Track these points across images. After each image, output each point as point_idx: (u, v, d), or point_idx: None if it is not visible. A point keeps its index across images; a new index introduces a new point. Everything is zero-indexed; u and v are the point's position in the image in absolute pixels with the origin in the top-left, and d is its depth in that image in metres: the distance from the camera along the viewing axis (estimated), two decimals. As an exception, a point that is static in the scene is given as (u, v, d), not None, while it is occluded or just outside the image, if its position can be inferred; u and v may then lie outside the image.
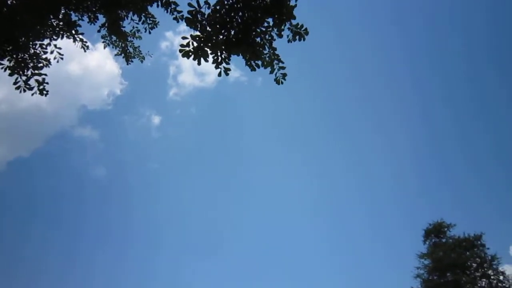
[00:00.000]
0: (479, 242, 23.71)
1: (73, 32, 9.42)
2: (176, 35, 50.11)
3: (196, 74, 48.84)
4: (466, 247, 23.65)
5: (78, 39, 9.50)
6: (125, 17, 10.24)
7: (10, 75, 7.80)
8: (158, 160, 52.09)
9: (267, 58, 5.24)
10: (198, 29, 5.00)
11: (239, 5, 5.26)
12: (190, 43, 4.84)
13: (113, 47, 11.16)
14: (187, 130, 53.99)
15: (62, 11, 9.09)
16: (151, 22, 10.19)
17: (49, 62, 9.09)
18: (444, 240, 24.41)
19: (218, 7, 5.29)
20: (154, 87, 56.01)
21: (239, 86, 52.59)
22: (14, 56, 7.81)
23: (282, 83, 5.31)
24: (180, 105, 53.41)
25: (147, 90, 56.17)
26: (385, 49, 53.53)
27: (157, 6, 9.80)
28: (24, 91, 8.04)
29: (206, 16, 5.20)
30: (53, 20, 8.96)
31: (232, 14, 5.36)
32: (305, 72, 54.54)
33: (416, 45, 52.91)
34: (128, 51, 11.01)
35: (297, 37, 5.06)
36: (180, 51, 4.67)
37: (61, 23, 9.15)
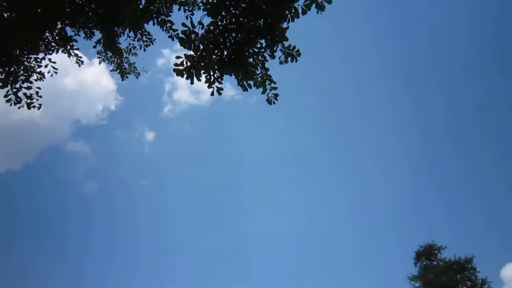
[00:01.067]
0: (470, 265, 23.65)
1: (68, 47, 9.47)
2: (173, 52, 50.57)
3: (191, 92, 49.09)
4: (457, 270, 23.55)
5: (73, 54, 9.55)
6: (121, 34, 10.36)
7: (1, 87, 7.79)
8: (150, 176, 51.75)
9: (259, 79, 5.31)
10: (192, 48, 5.07)
11: (232, 26, 5.35)
12: (184, 62, 4.90)
13: (108, 63, 11.23)
14: (180, 147, 53.89)
15: (58, 26, 9.17)
16: (147, 39, 10.32)
17: (43, 76, 9.12)
18: (435, 263, 24.30)
19: (211, 28, 5.37)
20: (149, 104, 56.16)
21: (234, 104, 52.89)
22: (6, 68, 7.82)
23: (274, 103, 5.37)
24: (174, 122, 53.48)
25: (141, 106, 56.24)
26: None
27: (153, 24, 9.96)
28: (15, 104, 8.03)
29: (199, 36, 5.28)
30: (48, 34, 9.03)
31: (226, 35, 5.45)
32: (299, 88, 55.02)
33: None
34: (123, 67, 11.09)
35: (289, 59, 5.15)
36: (174, 70, 4.72)
37: (56, 37, 9.22)
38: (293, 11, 4.91)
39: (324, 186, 52.84)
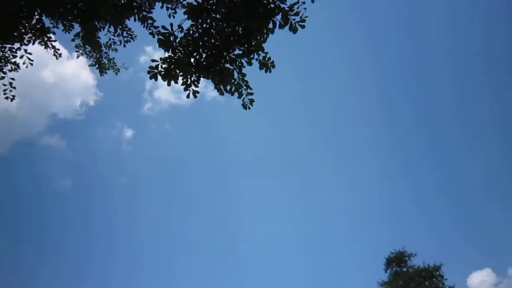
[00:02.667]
0: (438, 273, 24.31)
1: (46, 38, 9.27)
2: (156, 50, 50.03)
3: (173, 91, 48.56)
4: (425, 277, 24.16)
5: (50, 46, 9.35)
6: (101, 28, 10.21)
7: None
8: (127, 174, 50.95)
9: (235, 83, 5.35)
10: (170, 51, 5.06)
11: (212, 31, 5.37)
12: (159, 66, 4.90)
13: (87, 57, 11.04)
14: (159, 145, 53.26)
15: (36, 16, 8.97)
16: (127, 35, 10.19)
17: (18, 67, 8.92)
18: (405, 269, 24.86)
19: (191, 31, 5.38)
20: (128, 101, 55.23)
21: (216, 105, 52.61)
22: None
23: (249, 108, 5.43)
24: (154, 120, 52.77)
25: (121, 103, 55.28)
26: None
27: (134, 20, 9.85)
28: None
29: (178, 39, 5.28)
30: (26, 25, 8.81)
31: (205, 39, 5.46)
32: (283, 90, 55.26)
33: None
34: (102, 62, 10.92)
35: (263, 68, 5.22)
36: (148, 72, 4.71)
37: (33, 28, 9.02)
38: (271, 25, 5.00)
39: (305, 187, 53.24)
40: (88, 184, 47.79)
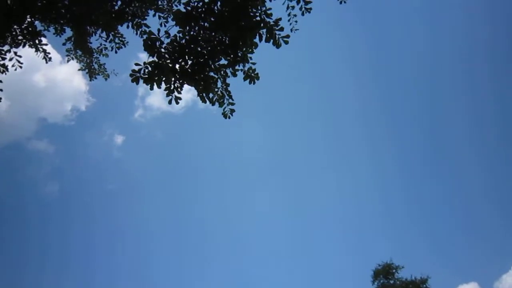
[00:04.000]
0: (424, 286, 24.33)
1: (37, 41, 9.30)
2: (150, 57, 49.96)
3: (165, 99, 48.32)
4: (412, 290, 24.20)
5: (41, 49, 9.36)
6: (93, 33, 10.27)
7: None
8: (116, 181, 50.55)
9: (219, 93, 5.43)
10: (155, 56, 5.13)
11: (199, 39, 5.45)
12: (143, 70, 4.96)
13: (78, 62, 11.07)
14: (150, 153, 53.00)
15: (28, 20, 9.01)
16: (119, 41, 10.24)
17: (6, 69, 8.92)
18: (392, 282, 24.86)
19: (178, 37, 5.46)
20: (120, 107, 55.02)
21: (208, 114, 52.60)
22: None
23: (229, 117, 5.51)
24: (145, 127, 52.58)
25: (113, 109, 55.01)
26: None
27: (127, 27, 9.94)
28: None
29: (165, 44, 5.36)
30: (16, 27, 8.84)
31: (192, 46, 5.54)
32: (272, 99, 55.45)
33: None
34: (92, 67, 10.96)
35: (248, 80, 5.31)
36: (131, 75, 4.77)
37: (24, 31, 9.04)
38: (257, 38, 5.13)
39: (295, 195, 53.17)
40: (75, 190, 47.35)
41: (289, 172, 54.32)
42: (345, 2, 7.35)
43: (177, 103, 5.07)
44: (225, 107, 5.52)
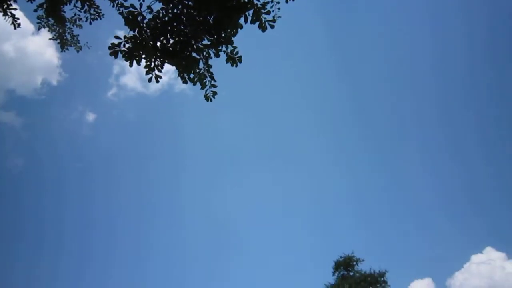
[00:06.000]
0: (382, 279, 25.26)
1: (5, 5, 8.73)
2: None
3: (140, 79, 47.03)
4: (370, 282, 25.04)
5: (9, 14, 8.79)
6: (67, 2, 9.76)
7: None
8: (84, 159, 48.94)
9: (200, 73, 5.28)
10: (136, 31, 4.91)
11: (182, 17, 5.27)
12: (123, 44, 4.74)
13: (49, 31, 10.51)
14: (121, 133, 51.56)
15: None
16: (94, 13, 9.79)
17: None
18: (352, 274, 25.64)
19: (161, 14, 5.25)
20: (94, 84, 52.99)
21: (184, 98, 51.50)
22: None
23: (211, 100, 5.38)
24: (118, 107, 50.98)
25: (86, 86, 52.89)
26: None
27: (103, -2, 9.49)
28: None
29: (146, 20, 5.14)
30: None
31: (174, 24, 5.35)
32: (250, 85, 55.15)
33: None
34: (64, 37, 10.44)
35: (230, 62, 5.19)
36: (110, 48, 4.55)
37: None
38: (242, 19, 4.99)
39: (258, 186, 53.43)
40: (41, 166, 45.61)
41: (258, 161, 54.49)
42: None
43: (157, 81, 4.90)
44: (207, 89, 5.39)
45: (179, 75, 5.09)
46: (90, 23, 9.89)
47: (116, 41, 4.69)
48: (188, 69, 5.09)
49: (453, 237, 45.51)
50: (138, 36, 4.98)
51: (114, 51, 4.64)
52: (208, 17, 5.35)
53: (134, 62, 4.86)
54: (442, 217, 48.43)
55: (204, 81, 5.34)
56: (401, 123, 55.63)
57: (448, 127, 54.36)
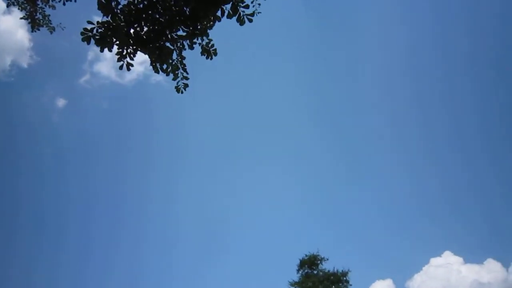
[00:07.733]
0: (345, 278, 25.85)
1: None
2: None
3: (115, 68, 45.85)
4: (333, 281, 25.59)
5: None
6: (40, -20, 9.44)
7: None
8: (52, 145, 47.34)
9: (173, 64, 5.24)
10: (109, 16, 4.82)
11: (158, 6, 5.20)
12: (95, 29, 4.64)
13: (19, 9, 10.12)
14: (92, 121, 50.15)
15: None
16: (68, -7, 9.50)
17: None
18: (315, 272, 26.11)
19: (136, 1, 5.17)
20: (66, 69, 51.27)
21: (160, 89, 50.51)
22: None
23: (182, 92, 5.35)
24: (90, 94, 49.49)
25: (57, 70, 51.04)
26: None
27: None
28: None
29: (121, 6, 5.05)
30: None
31: (150, 12, 5.28)
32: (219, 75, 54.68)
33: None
34: (36, 16, 10.08)
35: (205, 55, 5.18)
36: (82, 34, 4.44)
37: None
38: (219, 12, 4.97)
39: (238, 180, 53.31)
40: (5, 150, 43.83)
41: (232, 155, 54.39)
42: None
43: (129, 69, 4.82)
44: (178, 81, 5.35)
45: (151, 64, 5.03)
46: (64, 4, 9.58)
47: (89, 27, 4.58)
48: (161, 59, 5.04)
49: (415, 240, 47.05)
50: (111, 22, 4.89)
51: (86, 36, 4.53)
52: (185, 8, 5.30)
53: (106, 48, 4.77)
54: (405, 221, 49.99)
55: (177, 72, 5.30)
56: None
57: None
